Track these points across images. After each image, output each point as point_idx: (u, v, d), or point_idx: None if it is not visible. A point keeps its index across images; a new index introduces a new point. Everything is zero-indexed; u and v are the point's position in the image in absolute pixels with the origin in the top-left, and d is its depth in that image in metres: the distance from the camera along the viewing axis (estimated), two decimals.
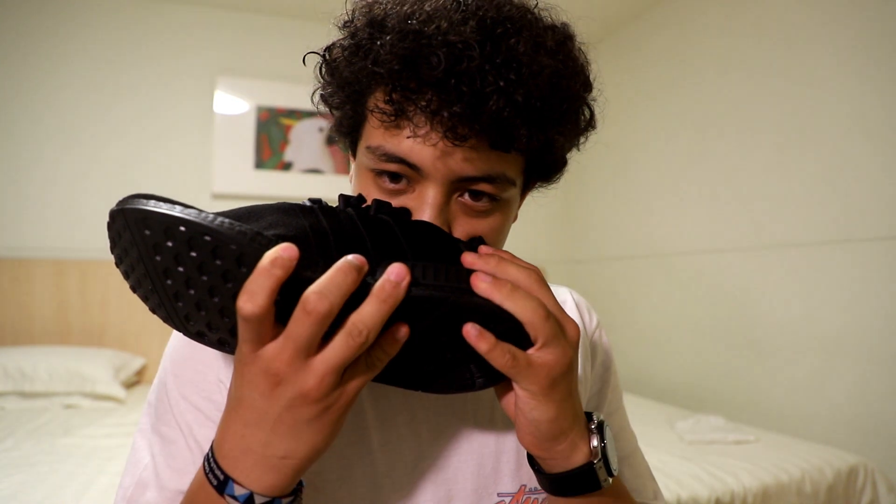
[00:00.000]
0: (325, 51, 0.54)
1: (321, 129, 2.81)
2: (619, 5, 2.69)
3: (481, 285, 0.41)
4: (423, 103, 0.45)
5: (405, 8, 0.47)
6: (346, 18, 0.52)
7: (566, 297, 0.69)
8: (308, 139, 2.80)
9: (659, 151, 2.61)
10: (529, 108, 0.45)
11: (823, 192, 1.87)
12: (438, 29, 0.44)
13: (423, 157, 0.46)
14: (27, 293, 2.41)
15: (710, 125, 2.34)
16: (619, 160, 2.84)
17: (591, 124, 0.55)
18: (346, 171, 2.83)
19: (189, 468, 0.50)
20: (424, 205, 0.48)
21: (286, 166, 2.76)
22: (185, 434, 0.52)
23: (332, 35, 0.55)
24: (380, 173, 0.49)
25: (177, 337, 0.56)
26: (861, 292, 1.75)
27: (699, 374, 2.34)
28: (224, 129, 2.69)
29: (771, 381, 2.03)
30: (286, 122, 2.77)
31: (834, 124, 1.85)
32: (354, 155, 0.56)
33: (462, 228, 0.50)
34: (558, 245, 3.26)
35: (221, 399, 0.52)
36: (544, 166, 0.55)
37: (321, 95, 0.56)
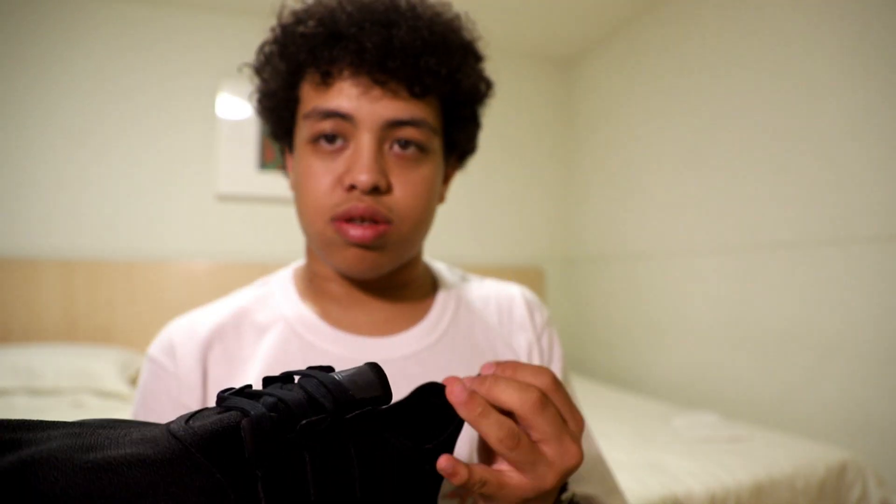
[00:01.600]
0: (257, 52, 0.60)
1: None
2: (619, 6, 2.71)
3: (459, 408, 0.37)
4: (346, 56, 0.53)
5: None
6: (273, 24, 0.60)
7: (515, 294, 0.71)
8: None
9: (658, 152, 2.64)
10: (435, 43, 0.54)
11: (819, 192, 1.90)
12: (350, 1, 0.55)
13: (353, 104, 0.53)
14: (35, 292, 2.44)
15: (708, 125, 2.36)
16: (617, 161, 2.86)
17: (490, 86, 0.63)
18: None
19: None
20: (360, 153, 0.53)
21: None
22: None
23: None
24: (316, 140, 0.55)
25: (144, 369, 0.60)
26: (854, 292, 1.78)
27: (695, 372, 2.37)
28: (228, 132, 2.72)
29: (765, 379, 2.06)
30: None
31: (830, 125, 1.87)
32: (292, 149, 0.61)
33: (398, 177, 0.55)
34: (557, 245, 3.29)
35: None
36: (457, 125, 0.61)
37: (257, 98, 0.62)
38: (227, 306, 0.62)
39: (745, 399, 2.13)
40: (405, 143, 0.55)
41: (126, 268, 2.56)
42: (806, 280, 1.93)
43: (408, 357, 0.60)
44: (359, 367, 0.36)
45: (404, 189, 0.55)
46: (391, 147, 0.55)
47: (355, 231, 0.54)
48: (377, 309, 0.63)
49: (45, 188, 2.51)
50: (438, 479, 0.38)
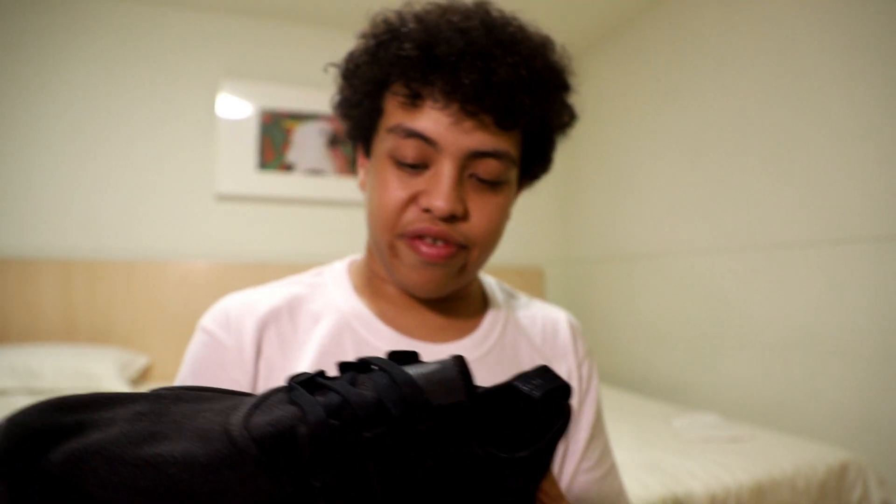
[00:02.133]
0: (346, 58, 0.61)
1: (323, 132, 2.84)
2: (618, 7, 2.71)
3: None
4: (441, 83, 0.52)
5: (418, 10, 0.56)
6: (365, 30, 0.60)
7: (561, 319, 0.71)
8: (310, 141, 2.83)
9: (657, 152, 2.63)
10: (532, 83, 0.54)
11: (818, 192, 1.90)
12: (450, 21, 0.53)
13: (438, 130, 0.53)
14: (34, 293, 2.44)
15: (708, 126, 2.36)
16: (617, 161, 2.86)
17: (574, 116, 0.63)
18: (348, 172, 2.86)
19: None
20: (441, 179, 0.53)
21: (288, 168, 2.79)
22: None
23: (343, 35, 0.63)
24: (398, 162, 0.55)
25: (196, 340, 0.60)
26: (856, 292, 1.78)
27: (695, 373, 2.37)
28: (227, 132, 2.72)
29: (766, 379, 2.05)
30: (288, 124, 2.80)
31: (828, 126, 1.87)
32: (368, 154, 0.61)
33: (474, 204, 0.56)
34: (557, 245, 3.28)
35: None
36: (536, 153, 0.62)
37: (339, 101, 0.62)
38: (282, 290, 0.63)
39: (745, 399, 2.12)
40: (483, 177, 0.55)
41: (125, 268, 2.55)
42: (807, 280, 1.92)
43: None
44: (442, 362, 0.32)
45: (479, 217, 0.56)
46: (470, 175, 0.56)
47: (428, 249, 0.55)
48: (431, 315, 0.64)
49: (44, 188, 2.51)
50: (532, 496, 0.35)
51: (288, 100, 2.80)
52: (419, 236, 0.55)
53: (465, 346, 0.62)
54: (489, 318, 0.67)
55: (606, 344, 2.90)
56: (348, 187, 2.87)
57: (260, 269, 2.70)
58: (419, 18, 0.55)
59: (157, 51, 2.68)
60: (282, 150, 2.79)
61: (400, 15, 0.57)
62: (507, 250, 3.35)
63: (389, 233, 0.57)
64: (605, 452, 0.69)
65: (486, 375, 0.61)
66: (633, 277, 2.77)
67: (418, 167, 0.55)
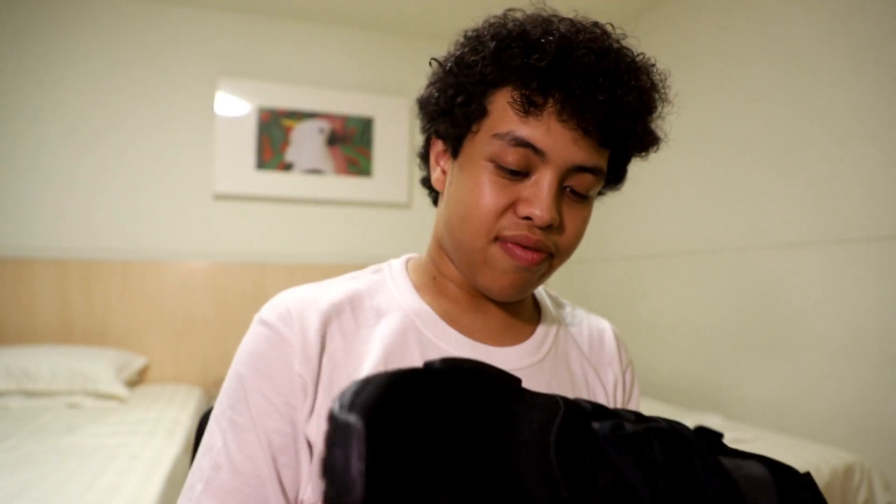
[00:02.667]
0: (454, 56, 0.60)
1: (322, 130, 2.82)
2: (617, 8, 2.69)
3: None
4: (560, 95, 0.53)
5: (540, 21, 0.56)
6: (472, 33, 0.59)
7: (606, 328, 0.75)
8: (309, 140, 2.81)
9: (659, 151, 2.61)
10: (645, 110, 0.58)
11: (823, 192, 1.88)
12: (583, 39, 0.54)
13: (549, 142, 0.54)
14: (30, 293, 2.42)
15: (708, 126, 2.34)
16: None
17: (659, 140, 0.66)
18: (346, 171, 2.84)
19: (259, 455, 0.54)
20: (543, 189, 0.54)
21: (287, 167, 2.78)
22: (256, 424, 0.55)
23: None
24: (499, 167, 0.55)
25: (255, 332, 0.59)
26: (860, 292, 1.76)
27: (697, 374, 2.35)
28: (226, 130, 2.70)
29: (769, 380, 2.04)
30: (287, 122, 2.78)
31: (833, 124, 1.85)
32: (456, 154, 0.60)
33: (567, 216, 0.58)
34: None
35: (293, 393, 0.56)
36: (617, 169, 0.65)
37: (432, 96, 0.61)
38: (342, 286, 0.63)
39: (748, 401, 2.11)
40: (579, 186, 0.57)
41: (122, 268, 2.53)
42: (810, 280, 1.90)
43: (516, 371, 0.60)
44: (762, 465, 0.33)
45: (570, 228, 0.58)
46: (565, 187, 0.57)
47: (523, 253, 0.56)
48: (492, 318, 0.65)
49: (40, 187, 2.49)
50: None
51: (286, 98, 2.78)
52: (515, 243, 0.56)
53: (524, 351, 0.64)
54: (544, 323, 0.69)
55: None
56: (347, 186, 2.85)
57: (259, 268, 2.68)
58: (548, 30, 0.55)
59: (155, 49, 2.66)
60: (280, 149, 2.77)
61: (519, 22, 0.57)
62: None
63: (483, 237, 0.57)
64: None
65: (542, 381, 0.63)
66: (634, 277, 2.75)
67: (519, 174, 0.55)
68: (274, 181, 2.75)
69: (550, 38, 0.54)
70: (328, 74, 2.85)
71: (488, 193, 0.56)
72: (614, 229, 2.90)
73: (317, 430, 0.54)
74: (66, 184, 2.52)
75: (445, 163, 0.63)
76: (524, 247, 0.56)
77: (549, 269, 0.61)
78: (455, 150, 0.61)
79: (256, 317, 0.60)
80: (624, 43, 0.60)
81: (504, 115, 0.55)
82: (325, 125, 2.82)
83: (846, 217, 1.80)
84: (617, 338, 0.74)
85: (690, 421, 1.86)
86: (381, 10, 2.69)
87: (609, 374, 0.70)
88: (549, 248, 0.57)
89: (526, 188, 0.55)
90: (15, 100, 2.48)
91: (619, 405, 0.69)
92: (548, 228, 0.56)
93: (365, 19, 2.78)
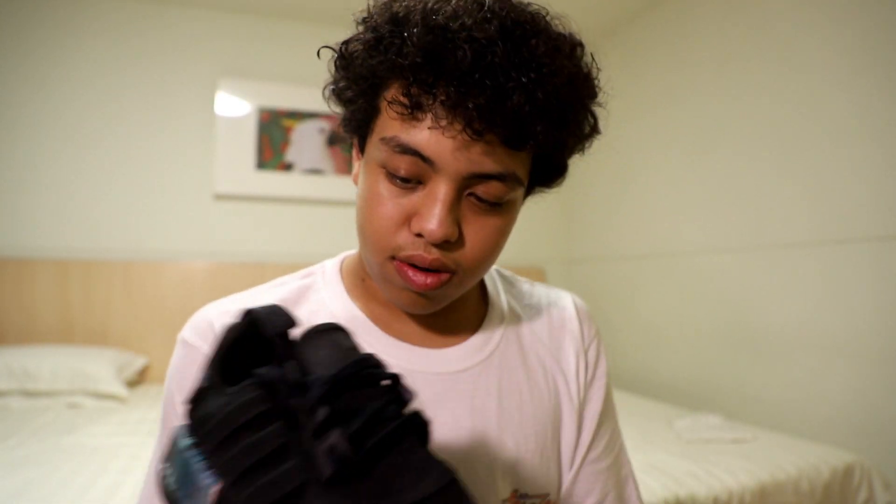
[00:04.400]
0: (341, 45, 0.54)
1: (322, 130, 2.83)
2: (617, 7, 2.69)
3: None
4: (444, 97, 0.45)
5: (429, 5, 0.47)
6: (365, 15, 0.52)
7: (567, 304, 0.69)
8: (309, 140, 2.81)
9: (658, 151, 2.62)
10: (548, 107, 0.47)
11: (822, 192, 1.88)
12: (463, 25, 0.45)
13: (439, 150, 0.47)
14: (31, 293, 2.42)
15: (708, 126, 2.34)
16: (618, 160, 2.84)
17: (595, 130, 0.55)
18: (347, 171, 2.84)
19: None
20: (435, 201, 0.48)
21: (287, 167, 2.78)
22: None
23: (342, 33, 0.57)
24: (390, 174, 0.49)
25: (178, 350, 0.58)
26: (858, 292, 1.76)
27: (697, 374, 2.35)
28: (226, 130, 2.70)
29: (769, 379, 2.04)
30: (287, 123, 2.78)
31: (831, 125, 1.85)
32: (362, 151, 0.56)
33: (471, 227, 0.50)
34: (558, 245, 3.27)
35: None
36: (548, 169, 0.56)
37: (332, 90, 0.56)
38: (267, 295, 0.60)
39: (748, 400, 2.11)
40: (485, 194, 0.50)
41: (122, 268, 2.54)
42: (810, 280, 1.90)
43: (460, 372, 0.58)
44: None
45: (475, 240, 0.51)
46: (468, 195, 0.50)
47: (417, 277, 0.50)
48: (429, 319, 0.60)
49: (41, 187, 2.49)
50: None
51: (287, 98, 2.78)
52: (410, 263, 0.51)
53: (466, 350, 0.60)
54: (491, 317, 0.64)
55: (607, 344, 2.87)
56: (347, 186, 2.85)
57: (258, 268, 2.68)
58: (427, 17, 0.47)
59: (155, 49, 2.67)
60: (280, 149, 2.77)
61: (406, 6, 0.49)
62: (507, 250, 3.29)
63: (381, 255, 0.52)
64: (613, 439, 0.67)
65: (491, 379, 0.59)
66: (634, 277, 2.75)
67: (412, 181, 0.49)
68: (274, 181, 2.75)
69: (424, 28, 0.46)
70: (328, 75, 2.84)
71: (381, 205, 0.50)
72: (614, 229, 2.90)
73: None
74: (67, 184, 2.52)
75: (359, 159, 0.57)
76: (420, 268, 0.50)
77: (462, 286, 0.54)
78: (361, 147, 0.56)
79: (178, 336, 0.58)
80: (548, 21, 0.51)
81: (390, 117, 0.49)
82: (326, 125, 2.82)
83: (846, 217, 1.80)
84: (579, 311, 0.68)
85: (689, 420, 1.86)
86: None
87: (571, 355, 0.65)
88: (449, 267, 0.51)
89: (420, 198, 0.49)
90: (16, 101, 2.48)
91: (581, 388, 0.64)
92: (444, 244, 0.49)
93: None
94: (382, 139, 0.49)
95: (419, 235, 0.49)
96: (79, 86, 2.56)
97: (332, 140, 2.84)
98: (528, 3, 0.51)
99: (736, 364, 2.17)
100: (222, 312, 0.57)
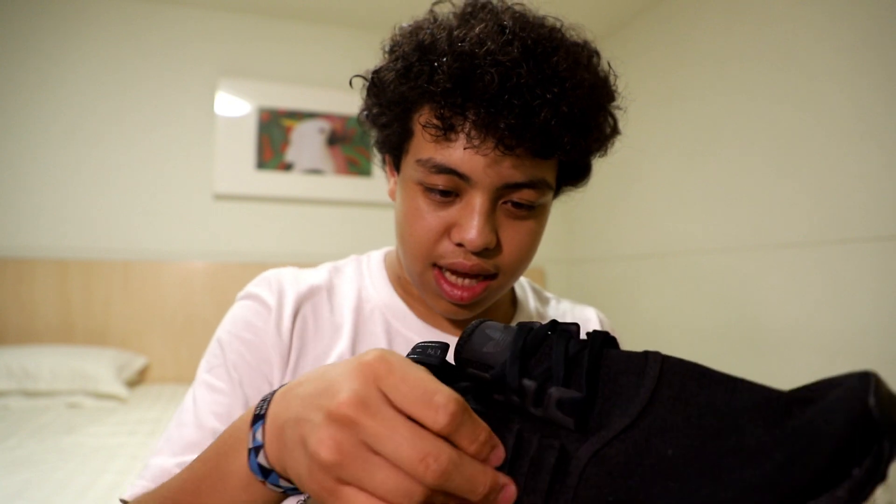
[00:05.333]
0: (372, 73, 0.57)
1: (322, 130, 2.83)
2: (617, 7, 2.69)
3: None
4: (474, 118, 0.49)
5: (454, 33, 0.51)
6: (392, 43, 0.56)
7: (591, 315, 0.74)
8: (309, 140, 2.81)
9: (659, 151, 2.62)
10: (572, 119, 0.51)
11: (822, 192, 1.88)
12: (488, 51, 0.49)
13: (473, 166, 0.51)
14: (30, 293, 2.42)
15: (708, 126, 2.34)
16: (619, 160, 2.83)
17: (616, 131, 0.61)
18: (347, 171, 2.85)
19: (225, 415, 0.55)
20: (473, 213, 0.52)
21: (287, 167, 2.78)
22: (235, 385, 0.56)
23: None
24: (429, 189, 0.53)
25: (239, 305, 0.62)
26: (858, 292, 1.76)
27: None
28: (226, 130, 2.70)
29: (769, 379, 2.02)
30: (287, 122, 2.78)
31: (832, 125, 1.85)
32: (398, 169, 0.59)
33: (507, 233, 0.55)
34: (558, 245, 3.27)
35: (270, 361, 0.57)
36: (575, 171, 0.61)
37: (367, 115, 0.60)
38: (323, 273, 0.65)
39: None
40: (518, 202, 0.54)
41: (122, 267, 2.54)
42: (810, 280, 1.90)
43: None
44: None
45: (512, 244, 0.55)
46: (504, 203, 0.54)
47: (454, 291, 0.55)
48: (462, 314, 0.64)
49: (40, 187, 2.49)
50: None
51: (286, 98, 2.78)
52: (451, 271, 0.55)
53: None
54: (518, 318, 0.68)
55: None
56: (347, 187, 2.85)
57: (259, 269, 2.66)
58: (453, 44, 0.50)
59: (155, 49, 2.67)
60: (280, 149, 2.77)
61: (432, 33, 0.52)
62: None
63: (421, 262, 0.56)
64: None
65: None
66: (634, 277, 2.75)
67: (450, 194, 0.53)
68: (274, 181, 2.75)
69: (452, 56, 0.50)
70: (328, 75, 2.85)
71: (422, 218, 0.54)
72: (614, 229, 2.90)
73: None
74: (66, 184, 2.52)
75: (394, 175, 0.62)
76: (461, 275, 0.54)
77: (499, 289, 0.58)
78: (396, 166, 0.60)
79: (238, 295, 0.63)
80: (564, 33, 0.55)
81: (424, 140, 0.53)
82: (325, 125, 2.82)
83: (846, 217, 1.80)
84: (602, 323, 0.73)
85: None
86: (381, 10, 2.69)
87: None
88: (489, 271, 0.55)
89: (457, 211, 0.53)
90: (15, 100, 2.48)
91: None
92: (484, 251, 0.54)
93: (365, 20, 2.79)
94: (418, 161, 0.53)
95: (459, 245, 0.53)
96: (79, 85, 2.56)
97: (332, 140, 2.84)
98: (544, 17, 0.55)
99: (736, 364, 2.17)
100: (282, 275, 0.63)
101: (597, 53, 0.57)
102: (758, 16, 2.13)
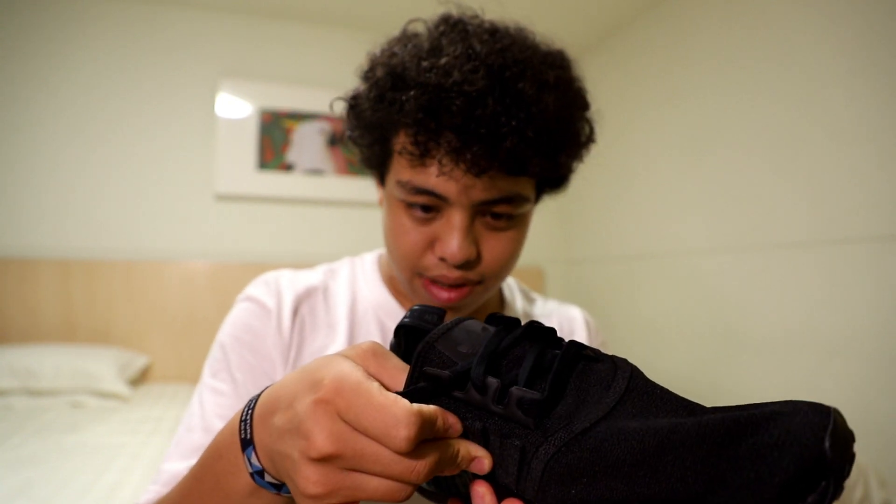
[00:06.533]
0: (350, 99, 0.60)
1: (323, 131, 2.84)
2: (618, 7, 2.70)
3: None
4: (446, 144, 0.51)
5: (423, 63, 0.52)
6: (366, 69, 0.58)
7: (576, 315, 0.75)
8: (310, 141, 2.82)
9: (657, 152, 2.62)
10: (539, 142, 0.53)
11: (821, 192, 1.88)
12: (454, 81, 0.51)
13: (448, 188, 0.53)
14: (33, 292, 2.44)
15: (707, 126, 2.35)
16: (617, 160, 2.85)
17: (591, 138, 0.61)
18: (347, 171, 2.86)
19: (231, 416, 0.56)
20: (452, 229, 0.54)
21: (288, 167, 2.79)
22: (239, 386, 0.58)
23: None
24: (411, 205, 0.56)
25: (239, 308, 0.63)
26: (856, 292, 1.76)
27: (696, 374, 2.36)
28: (227, 131, 2.71)
29: (766, 380, 2.04)
30: (288, 123, 2.79)
31: (830, 125, 1.86)
32: (383, 184, 0.62)
33: (488, 244, 0.57)
34: (557, 245, 3.27)
35: (272, 360, 0.59)
36: (553, 180, 0.64)
37: (349, 136, 0.62)
38: (317, 274, 0.68)
39: (746, 401, 2.11)
40: (497, 213, 0.56)
41: (124, 268, 2.55)
42: (808, 281, 1.91)
43: None
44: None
45: (493, 254, 0.57)
46: (483, 216, 0.56)
47: (442, 294, 0.57)
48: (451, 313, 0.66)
49: (43, 187, 2.50)
50: None
51: (287, 99, 2.79)
52: (436, 282, 0.57)
53: None
54: None
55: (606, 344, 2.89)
56: (348, 187, 2.86)
57: (260, 269, 2.69)
58: (420, 75, 0.52)
59: (156, 50, 2.68)
60: (281, 150, 2.78)
61: (402, 61, 0.54)
62: None
63: (408, 272, 0.59)
64: None
65: None
66: (633, 278, 2.76)
67: (431, 209, 0.55)
68: (275, 182, 2.76)
69: (419, 88, 0.51)
70: (329, 76, 2.86)
71: (405, 234, 0.57)
72: (613, 229, 2.90)
73: None
74: (69, 184, 2.54)
75: (380, 187, 0.64)
76: (446, 285, 0.57)
77: (485, 292, 0.60)
78: (381, 180, 0.63)
79: (238, 298, 0.64)
80: (535, 45, 0.56)
81: (403, 162, 0.55)
82: (326, 126, 2.83)
83: (845, 217, 1.81)
84: (588, 324, 0.75)
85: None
86: (381, 11, 2.70)
87: None
88: (472, 280, 0.57)
89: (440, 226, 0.56)
90: (18, 101, 2.49)
91: None
92: (465, 264, 0.56)
93: (366, 21, 2.79)
94: (398, 182, 0.56)
95: (442, 259, 0.56)
96: (81, 87, 2.57)
97: (333, 141, 2.85)
98: (516, 30, 0.56)
99: (735, 364, 2.18)
100: (279, 276, 0.65)
101: (567, 63, 0.58)
102: (757, 16, 2.13)
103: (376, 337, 0.63)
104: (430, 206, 0.55)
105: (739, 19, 2.21)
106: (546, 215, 3.23)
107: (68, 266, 2.48)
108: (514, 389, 0.32)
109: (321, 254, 2.81)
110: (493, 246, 0.57)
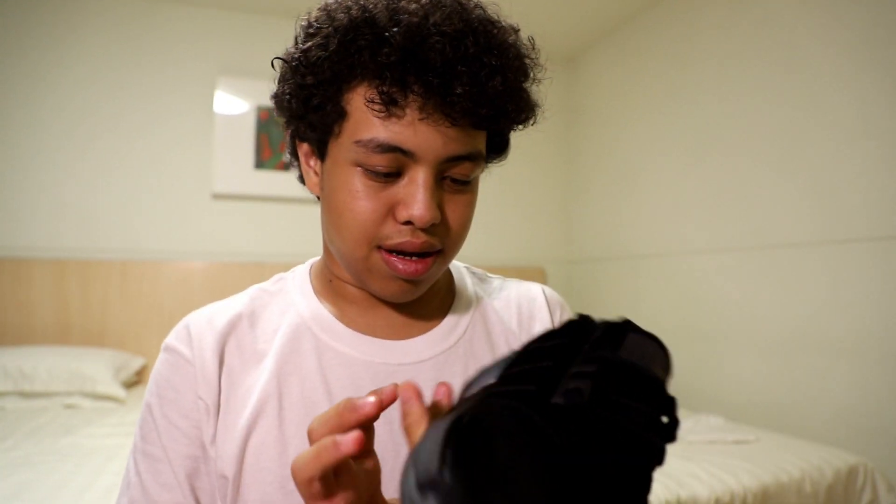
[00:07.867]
0: (299, 54, 0.54)
1: None
2: (618, 7, 2.68)
3: None
4: (420, 90, 0.48)
5: (392, 5, 0.50)
6: (312, 23, 0.54)
7: (537, 294, 0.70)
8: None
9: (658, 152, 2.61)
10: (517, 86, 0.53)
11: (823, 192, 1.87)
12: (434, 22, 0.49)
13: (417, 141, 0.50)
14: (28, 293, 2.41)
15: (708, 126, 2.34)
16: (618, 161, 2.84)
17: (537, 104, 0.60)
18: None
19: (174, 484, 0.54)
20: (417, 188, 0.51)
21: (286, 166, 2.76)
22: (168, 452, 0.55)
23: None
24: (368, 170, 0.52)
25: (160, 360, 0.59)
26: (860, 292, 1.75)
27: (699, 374, 2.34)
28: (224, 129, 2.69)
29: (771, 381, 2.03)
30: None
31: (833, 125, 1.85)
32: (321, 156, 0.57)
33: (449, 207, 0.55)
34: (558, 245, 3.26)
35: (198, 416, 0.56)
36: (498, 144, 0.61)
37: (286, 99, 0.56)
38: (243, 300, 0.63)
39: (750, 402, 2.10)
40: (456, 178, 0.54)
41: (120, 267, 2.52)
42: (811, 281, 1.90)
43: (423, 361, 0.60)
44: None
45: (455, 217, 0.55)
46: (444, 178, 0.54)
47: (406, 266, 0.54)
48: (395, 313, 0.62)
49: (38, 186, 2.48)
50: None
51: None
52: (398, 252, 0.53)
53: (431, 340, 0.61)
54: (456, 307, 0.65)
55: None
56: None
57: (257, 268, 2.67)
58: (396, 15, 0.49)
59: (153, 48, 2.65)
60: (279, 149, 2.76)
61: (363, 8, 0.50)
62: (508, 250, 3.33)
63: (365, 247, 0.54)
64: None
65: (456, 367, 0.60)
66: (634, 278, 2.75)
67: (391, 175, 0.52)
68: (273, 180, 2.74)
69: (398, 27, 0.49)
70: None
71: (362, 200, 0.52)
72: (615, 229, 2.89)
73: (216, 454, 0.54)
74: (64, 184, 2.51)
75: (316, 164, 0.59)
76: (409, 254, 0.53)
77: (444, 263, 0.58)
78: (321, 153, 0.57)
79: (163, 343, 0.60)
80: (484, 7, 0.55)
81: (364, 118, 0.51)
82: None
83: (847, 217, 1.80)
84: (549, 300, 0.69)
85: (692, 421, 1.86)
86: None
87: None
88: (437, 246, 0.54)
89: (401, 189, 0.52)
90: (13, 99, 2.47)
91: None
92: (431, 227, 0.53)
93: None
94: (358, 142, 0.51)
95: (406, 223, 0.52)
96: (76, 84, 2.54)
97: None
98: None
99: (738, 364, 2.16)
100: (198, 319, 0.60)
101: (517, 29, 0.57)
102: (758, 16, 2.12)
103: (311, 356, 0.58)
104: (389, 170, 0.51)
105: (741, 19, 2.20)
106: (548, 216, 3.22)
107: (63, 266, 2.45)
108: (586, 382, 0.32)
109: (319, 253, 2.79)
110: (453, 209, 0.55)
